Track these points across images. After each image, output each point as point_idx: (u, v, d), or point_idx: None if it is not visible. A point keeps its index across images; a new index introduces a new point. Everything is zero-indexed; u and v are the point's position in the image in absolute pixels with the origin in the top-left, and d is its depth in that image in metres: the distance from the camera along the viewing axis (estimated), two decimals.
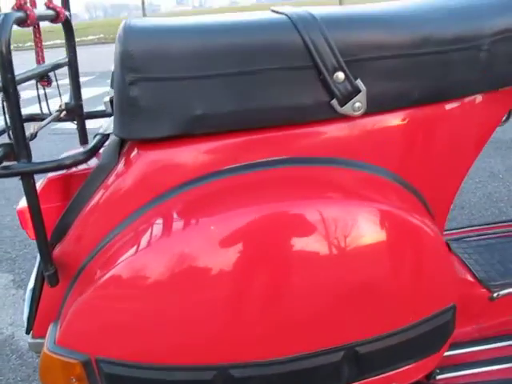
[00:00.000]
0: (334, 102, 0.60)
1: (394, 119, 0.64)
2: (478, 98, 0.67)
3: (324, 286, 0.59)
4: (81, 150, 0.69)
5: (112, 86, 0.65)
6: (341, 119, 0.62)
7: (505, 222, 1.23)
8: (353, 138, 0.64)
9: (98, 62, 9.04)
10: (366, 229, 0.58)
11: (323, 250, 0.58)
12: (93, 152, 0.66)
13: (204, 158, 0.63)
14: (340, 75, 0.59)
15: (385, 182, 0.65)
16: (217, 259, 0.59)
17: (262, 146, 0.63)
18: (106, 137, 0.70)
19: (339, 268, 0.59)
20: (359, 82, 0.60)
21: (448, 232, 1.19)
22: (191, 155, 0.63)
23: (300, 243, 0.58)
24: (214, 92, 0.59)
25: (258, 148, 0.63)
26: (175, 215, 0.63)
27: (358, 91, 0.60)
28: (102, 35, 15.38)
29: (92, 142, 0.68)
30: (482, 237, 1.16)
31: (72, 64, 0.84)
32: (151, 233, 0.62)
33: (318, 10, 0.61)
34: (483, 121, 0.71)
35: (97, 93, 5.61)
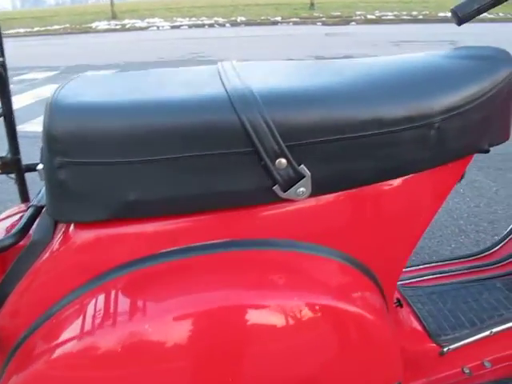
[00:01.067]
0: (277, 187, 0.57)
1: (341, 199, 0.62)
2: (429, 172, 0.66)
3: (261, 372, 0.58)
4: (11, 226, 0.65)
5: (42, 162, 0.61)
6: (285, 201, 0.60)
7: (460, 258, 1.24)
8: (297, 219, 0.62)
9: (64, 54, 8.79)
10: (305, 320, 0.56)
11: (260, 339, 0.56)
12: (24, 233, 0.62)
13: (142, 241, 0.60)
14: (282, 161, 0.56)
15: (331, 262, 0.63)
16: (156, 342, 0.56)
17: (202, 228, 0.60)
18: (40, 209, 0.66)
19: (276, 357, 0.57)
20: (303, 168, 0.57)
21: (405, 269, 1.19)
22: (130, 236, 0.60)
23: (236, 333, 0.56)
24: (147, 178, 0.56)
25: (199, 230, 0.60)
26: (114, 297, 0.60)
27: (301, 177, 0.57)
28: (67, 25, 14.95)
29: (24, 219, 0.64)
30: (438, 275, 1.16)
31: (7, 116, 0.79)
32: (90, 314, 0.59)
33: (260, 86, 0.58)
34: (434, 192, 0.70)
35: None
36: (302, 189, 0.57)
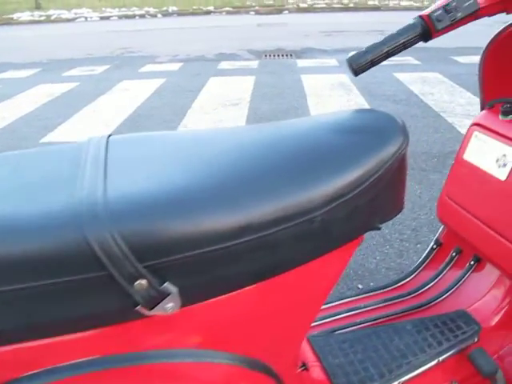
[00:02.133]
0: (140, 308, 0.51)
1: (220, 302, 0.57)
2: (316, 260, 0.62)
3: None
4: None
5: None
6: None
7: (375, 290, 1.24)
8: (175, 328, 0.56)
9: None
10: None
11: None
12: None
13: (1, 365, 0.53)
14: (142, 283, 0.49)
15: (218, 366, 0.59)
16: None
17: (70, 347, 0.53)
18: None
19: None
20: (168, 285, 0.51)
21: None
22: None
23: None
24: None
25: (66, 350, 0.53)
26: None
27: (167, 294, 0.51)
28: None
29: None
30: (353, 312, 1.15)
31: None
32: None
33: (117, 192, 0.51)
34: (325, 276, 0.66)
35: None
36: (170, 304, 0.52)
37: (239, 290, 0.57)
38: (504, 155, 0.98)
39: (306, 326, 0.68)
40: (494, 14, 0.81)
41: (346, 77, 5.19)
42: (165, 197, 0.51)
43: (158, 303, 0.51)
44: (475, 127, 1.07)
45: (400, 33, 0.79)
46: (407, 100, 4.23)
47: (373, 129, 0.64)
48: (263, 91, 4.69)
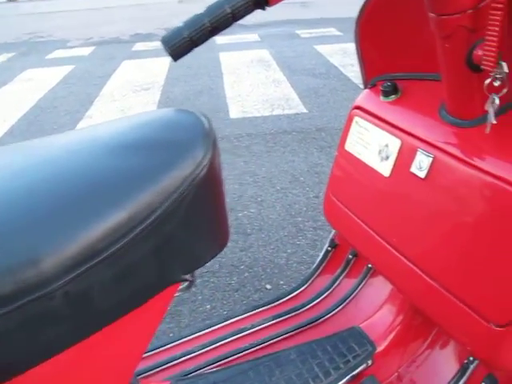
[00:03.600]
0: None
1: None
2: (91, 338, 0.43)
3: None
4: None
5: None
6: None
7: (265, 305, 1.07)
8: None
9: None
10: None
11: None
12: None
13: None
14: None
15: None
16: None
17: None
18: None
19: None
20: None
21: (196, 335, 0.99)
22: None
23: None
24: None
25: None
26: None
27: None
28: None
29: None
30: (236, 336, 0.99)
31: None
32: None
33: None
34: (129, 340, 0.48)
35: None
36: None
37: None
38: (386, 145, 0.82)
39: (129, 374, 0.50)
40: None
41: (266, 52, 5.00)
42: None
43: None
44: (356, 111, 0.91)
45: (228, 0, 0.60)
46: (327, 73, 4.10)
47: (156, 145, 0.45)
48: (178, 73, 4.42)
